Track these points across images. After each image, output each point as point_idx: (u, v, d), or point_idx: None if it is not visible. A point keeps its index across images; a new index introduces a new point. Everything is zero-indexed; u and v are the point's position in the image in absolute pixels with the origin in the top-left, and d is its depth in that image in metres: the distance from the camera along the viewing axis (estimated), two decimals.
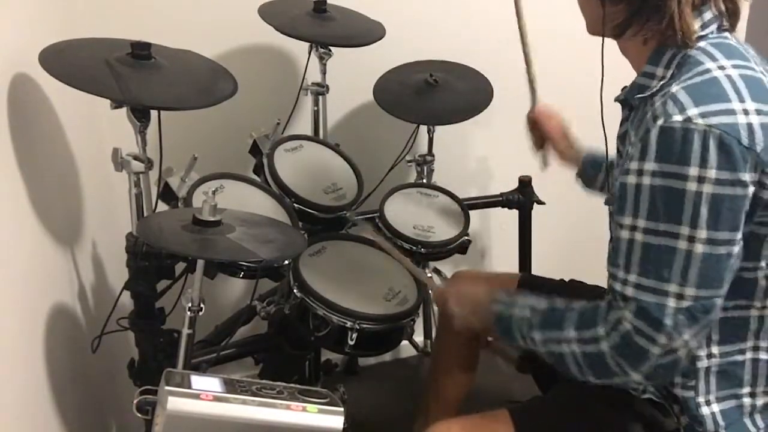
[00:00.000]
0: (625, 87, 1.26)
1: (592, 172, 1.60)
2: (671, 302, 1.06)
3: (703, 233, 1.03)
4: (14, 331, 1.20)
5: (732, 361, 1.17)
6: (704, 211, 1.02)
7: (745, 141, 1.02)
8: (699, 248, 1.04)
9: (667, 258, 1.05)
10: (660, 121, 1.04)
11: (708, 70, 1.07)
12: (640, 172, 1.06)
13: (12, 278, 1.19)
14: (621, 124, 1.27)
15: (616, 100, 1.25)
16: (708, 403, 1.18)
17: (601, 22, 1.16)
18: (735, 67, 1.08)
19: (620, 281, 1.10)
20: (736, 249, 1.06)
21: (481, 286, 1.39)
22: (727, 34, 1.14)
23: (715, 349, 1.17)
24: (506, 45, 2.18)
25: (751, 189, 1.04)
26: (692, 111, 1.02)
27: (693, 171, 1.01)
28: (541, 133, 1.71)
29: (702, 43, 1.11)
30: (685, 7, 1.08)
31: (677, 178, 1.02)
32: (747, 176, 1.02)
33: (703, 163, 1.01)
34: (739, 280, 1.11)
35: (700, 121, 1.01)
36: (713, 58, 1.09)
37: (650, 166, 1.04)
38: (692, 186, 1.02)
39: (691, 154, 1.01)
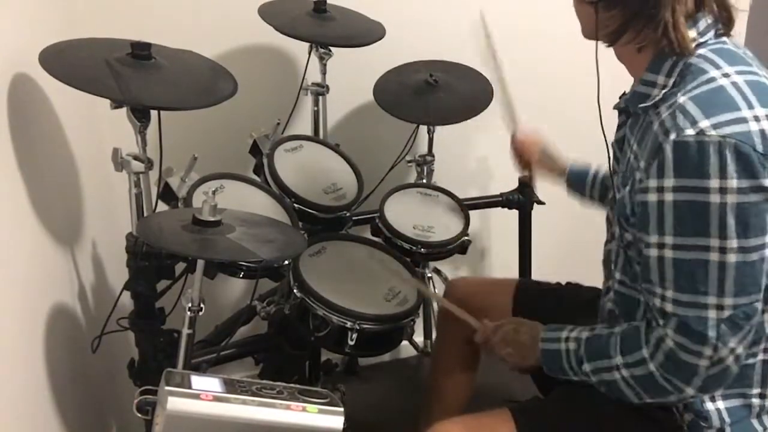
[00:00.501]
0: (623, 94, 1.26)
1: (578, 185, 1.65)
2: (712, 314, 1.06)
3: (734, 243, 1.03)
4: (14, 331, 1.20)
5: (744, 363, 1.16)
6: (731, 221, 1.02)
7: (759, 148, 1.02)
8: (732, 258, 1.04)
9: (701, 271, 1.05)
10: (673, 136, 1.03)
11: (713, 79, 1.07)
12: (660, 189, 1.05)
13: (12, 278, 1.19)
14: (618, 129, 1.27)
15: (616, 108, 1.25)
16: (713, 399, 1.18)
17: (594, 28, 1.16)
18: (739, 73, 1.08)
19: (659, 297, 1.10)
20: (767, 252, 1.06)
21: (522, 325, 1.37)
22: (725, 39, 1.14)
23: None
24: (506, 45, 2.19)
25: None
26: (704, 123, 1.02)
27: (714, 183, 1.01)
28: (526, 157, 1.80)
29: (702, 50, 1.11)
30: (680, 16, 1.08)
31: (699, 192, 1.02)
32: (767, 182, 1.02)
33: (723, 174, 1.01)
34: None
35: (713, 132, 1.01)
36: (716, 66, 1.09)
37: (669, 182, 1.04)
38: (715, 198, 1.02)
39: (710, 166, 1.01)
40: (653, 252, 1.09)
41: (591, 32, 1.19)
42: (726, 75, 1.07)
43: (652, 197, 1.07)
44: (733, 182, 1.01)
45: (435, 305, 2.16)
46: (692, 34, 1.11)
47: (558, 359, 1.25)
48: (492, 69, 1.79)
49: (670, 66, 1.12)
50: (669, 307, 1.09)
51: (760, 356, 1.18)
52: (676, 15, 1.08)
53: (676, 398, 1.14)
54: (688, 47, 1.09)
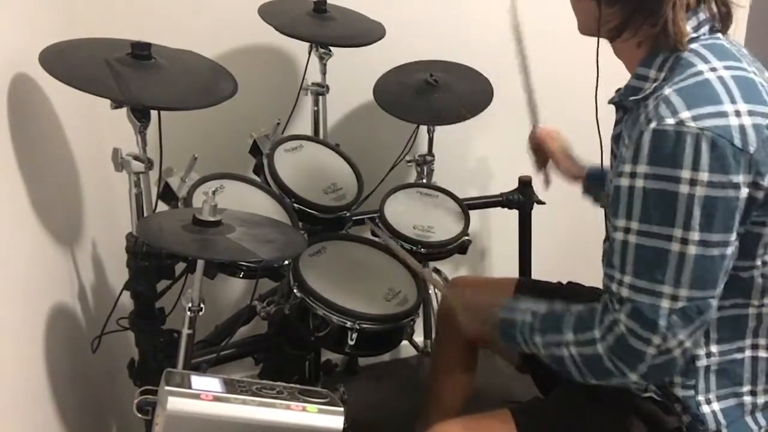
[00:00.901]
0: (619, 89, 1.26)
1: (596, 186, 1.62)
2: (665, 303, 1.06)
3: (696, 235, 1.03)
4: (14, 331, 1.20)
5: (731, 359, 1.18)
6: (697, 213, 1.03)
7: (737, 143, 1.02)
8: (692, 250, 1.04)
9: (661, 260, 1.06)
10: (653, 124, 1.04)
11: (700, 72, 1.08)
12: (633, 175, 1.06)
13: (12, 278, 1.19)
14: (615, 126, 1.28)
15: (610, 102, 1.26)
16: (708, 401, 1.19)
17: (594, 24, 1.17)
18: (727, 68, 1.08)
19: (616, 282, 1.11)
20: (730, 250, 1.06)
21: (484, 294, 1.40)
22: (719, 35, 1.14)
23: (714, 348, 1.17)
24: (506, 45, 2.18)
25: (745, 190, 1.04)
26: (684, 114, 1.03)
27: (685, 174, 1.02)
28: (544, 154, 1.75)
29: (694, 45, 1.11)
30: (679, 11, 1.09)
31: (670, 181, 1.03)
32: (740, 178, 1.03)
33: (695, 165, 1.01)
34: (736, 278, 1.12)
35: (692, 124, 1.02)
36: (705, 60, 1.09)
37: (642, 168, 1.05)
38: (684, 189, 1.02)
39: (684, 157, 1.02)
40: (619, 236, 1.10)
41: (590, 29, 1.19)
42: (713, 69, 1.08)
43: (624, 182, 1.07)
44: (705, 175, 1.01)
45: (435, 305, 2.16)
46: (690, 26, 1.11)
47: (512, 328, 1.26)
48: (519, 61, 1.76)
49: (662, 60, 1.12)
50: (624, 292, 1.09)
51: (748, 352, 1.18)
52: (676, 10, 1.09)
53: (619, 381, 1.14)
54: (683, 42, 1.10)
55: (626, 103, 1.18)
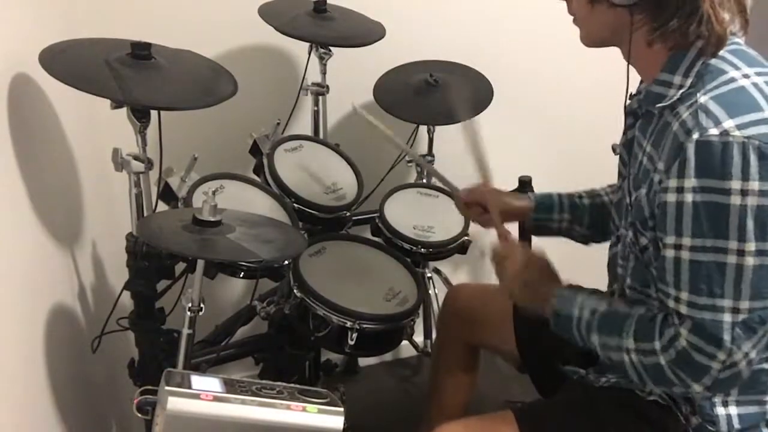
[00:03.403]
0: (632, 95, 1.25)
1: (546, 211, 1.54)
2: (727, 317, 1.05)
3: (752, 246, 1.02)
4: (14, 331, 1.20)
5: (759, 368, 1.15)
6: (750, 223, 1.01)
7: None
8: (750, 261, 1.03)
9: (718, 274, 1.04)
10: (695, 135, 1.02)
11: (733, 79, 1.06)
12: (680, 190, 1.04)
13: (12, 278, 1.19)
14: (625, 132, 1.26)
15: (628, 109, 1.24)
16: (725, 404, 1.17)
17: (609, 33, 1.15)
18: (758, 74, 1.07)
19: (672, 299, 1.09)
20: None
21: (538, 264, 1.32)
22: (738, 40, 1.13)
23: None
24: (506, 45, 2.19)
25: None
26: (728, 123, 1.01)
27: (735, 185, 1.00)
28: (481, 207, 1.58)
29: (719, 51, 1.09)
30: (717, 7, 1.06)
31: (720, 193, 1.01)
32: None
33: (745, 175, 1.00)
34: None
35: (737, 133, 1.01)
36: (735, 66, 1.08)
37: (690, 183, 1.03)
38: (736, 200, 1.01)
39: (732, 167, 1.00)
40: (670, 253, 1.08)
41: (605, 39, 1.17)
42: (746, 76, 1.07)
43: (671, 197, 1.05)
44: (755, 184, 1.00)
45: (435, 305, 2.16)
46: (699, 44, 1.09)
47: (568, 321, 1.22)
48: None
49: (687, 65, 1.10)
50: (683, 309, 1.08)
51: None
52: (714, 6, 1.06)
53: (681, 391, 1.13)
54: (726, 39, 1.07)
55: (651, 110, 1.15)
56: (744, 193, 1.00)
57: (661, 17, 1.09)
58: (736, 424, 1.17)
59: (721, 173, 1.01)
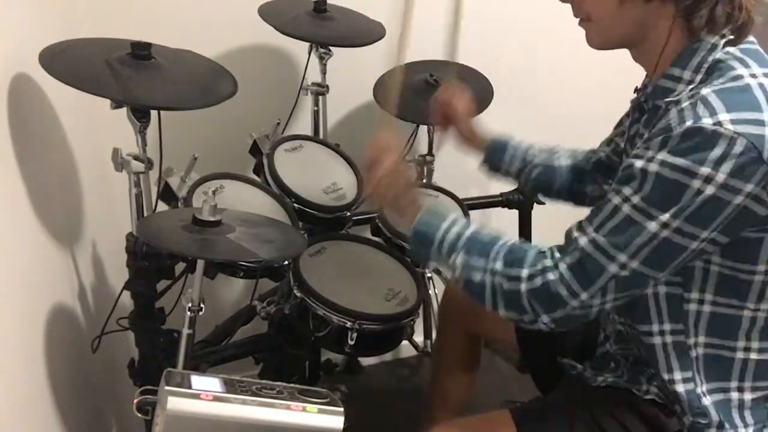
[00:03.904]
0: (638, 88, 1.25)
1: (500, 158, 1.60)
2: (613, 268, 1.08)
3: (677, 222, 1.04)
4: (14, 331, 1.20)
5: (719, 354, 1.17)
6: (693, 206, 1.03)
7: (766, 154, 1.01)
8: (665, 233, 1.05)
9: (635, 233, 1.06)
10: (689, 122, 1.03)
11: (740, 77, 1.06)
12: (651, 159, 1.05)
13: (12, 278, 1.19)
14: (631, 126, 1.26)
15: (634, 102, 1.24)
16: (704, 394, 1.18)
17: (637, 26, 1.13)
18: (767, 75, 1.08)
19: (582, 231, 1.12)
20: (694, 245, 1.06)
21: (406, 178, 1.33)
22: (753, 39, 1.13)
23: (701, 339, 1.17)
24: (506, 45, 2.19)
25: (745, 201, 1.03)
26: (723, 116, 1.02)
27: (704, 170, 1.01)
28: (448, 112, 1.62)
29: (730, 48, 1.09)
30: None
31: (686, 174, 1.02)
32: (749, 187, 1.02)
33: (717, 166, 1.01)
34: (734, 280, 1.12)
35: (730, 126, 1.01)
36: (746, 65, 1.08)
37: (663, 156, 1.04)
38: (697, 183, 1.02)
39: (711, 155, 1.01)
40: (615, 199, 1.09)
41: (627, 36, 1.16)
42: (754, 75, 1.07)
43: (639, 163, 1.06)
44: (722, 176, 1.01)
45: (435, 305, 2.16)
46: (725, 31, 1.10)
47: (429, 241, 1.23)
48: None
49: (698, 61, 1.10)
50: (582, 241, 1.10)
51: (740, 354, 1.17)
52: None
53: (528, 319, 1.15)
54: (750, 26, 1.08)
55: (658, 104, 1.15)
56: (707, 180, 1.01)
57: (692, 3, 1.08)
58: (718, 414, 1.18)
59: (699, 158, 1.01)
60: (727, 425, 1.18)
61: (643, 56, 1.18)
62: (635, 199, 1.07)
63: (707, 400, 1.18)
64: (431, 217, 1.25)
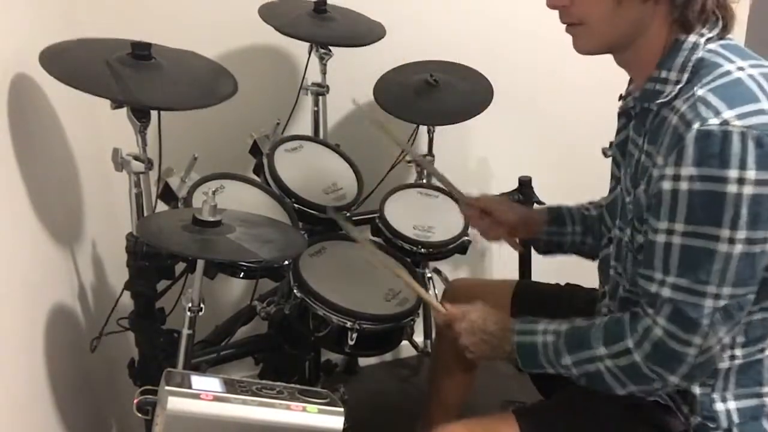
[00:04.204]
0: (623, 96, 1.25)
1: (560, 221, 1.50)
2: (709, 303, 1.06)
3: (742, 234, 1.03)
4: (14, 331, 1.20)
5: (754, 360, 1.17)
6: (744, 212, 1.02)
7: None
8: (738, 249, 1.04)
9: (707, 260, 1.05)
10: (696, 125, 1.03)
11: (728, 72, 1.07)
12: (677, 177, 1.05)
13: (12, 278, 1.19)
14: (618, 133, 1.27)
15: (622, 110, 1.24)
16: (724, 399, 1.18)
17: (633, 27, 1.13)
18: (753, 66, 1.08)
19: (657, 282, 1.10)
20: None
21: (490, 315, 1.32)
22: (731, 36, 1.14)
23: (738, 351, 1.16)
24: (506, 45, 2.19)
25: None
26: (728, 113, 1.02)
27: (733, 173, 1.01)
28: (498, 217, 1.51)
29: (711, 46, 1.11)
30: None
31: (717, 182, 1.02)
32: None
33: (743, 164, 1.01)
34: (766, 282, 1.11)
35: (737, 122, 1.01)
36: (729, 60, 1.09)
37: (688, 171, 1.04)
38: (733, 188, 1.02)
39: (731, 156, 1.01)
40: (661, 238, 1.08)
41: (621, 38, 1.15)
42: (741, 68, 1.08)
43: (667, 185, 1.06)
44: (752, 173, 1.01)
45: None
46: (702, 30, 1.11)
47: (534, 353, 1.24)
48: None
49: (682, 61, 1.11)
50: (666, 292, 1.09)
51: None
52: None
53: (660, 386, 1.14)
54: (734, 19, 1.09)
55: (649, 107, 1.15)
56: (741, 181, 1.01)
57: (686, 2, 1.09)
58: (736, 419, 1.18)
59: (720, 162, 1.02)
60: (734, 430, 1.18)
61: (629, 60, 1.18)
62: (679, 227, 1.06)
63: (720, 406, 1.18)
64: (525, 336, 1.25)
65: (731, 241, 1.03)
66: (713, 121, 1.02)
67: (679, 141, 1.04)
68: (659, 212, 1.08)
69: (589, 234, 1.50)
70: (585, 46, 1.18)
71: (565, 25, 1.19)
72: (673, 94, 1.11)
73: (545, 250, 1.55)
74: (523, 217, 1.52)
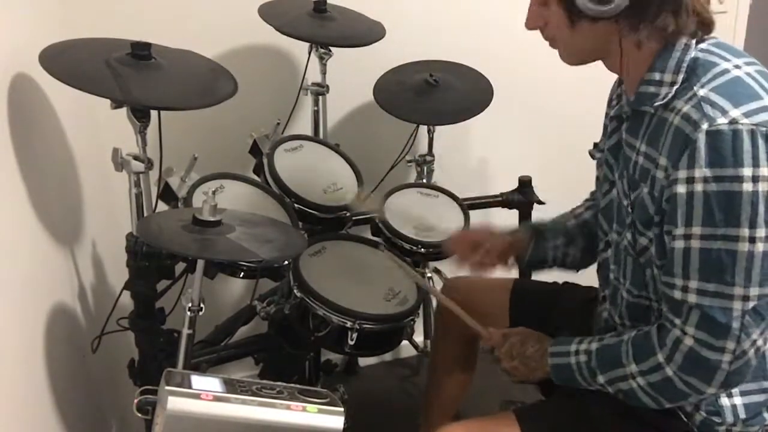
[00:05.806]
0: (613, 100, 1.25)
1: (558, 230, 1.51)
2: (737, 305, 1.05)
3: (763, 231, 1.03)
4: (14, 331, 1.20)
5: (761, 354, 1.15)
6: (762, 209, 1.02)
7: None
8: (760, 247, 1.03)
9: (729, 261, 1.04)
10: (705, 126, 1.03)
11: (726, 71, 1.08)
12: (690, 180, 1.04)
13: (12, 278, 1.19)
14: (610, 136, 1.27)
15: (616, 114, 1.24)
16: (730, 395, 1.17)
17: (598, 43, 1.14)
18: (747, 64, 1.09)
19: (680, 289, 1.09)
20: None
21: (529, 338, 1.33)
22: (715, 35, 1.14)
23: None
24: (506, 45, 2.19)
25: None
26: (735, 112, 1.03)
27: (747, 171, 1.01)
28: (471, 238, 1.56)
29: (703, 45, 1.11)
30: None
31: (732, 181, 1.02)
32: None
33: (755, 162, 1.01)
34: None
35: (746, 120, 1.02)
36: (724, 58, 1.09)
37: (702, 173, 1.03)
38: (748, 186, 1.01)
39: (743, 154, 1.01)
40: (680, 244, 1.07)
41: (591, 53, 1.17)
42: (737, 66, 1.08)
43: (681, 189, 1.05)
44: (765, 170, 1.01)
45: (435, 305, 2.16)
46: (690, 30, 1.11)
47: (569, 373, 1.24)
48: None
49: (676, 62, 1.11)
50: (692, 298, 1.07)
51: None
52: None
53: (696, 399, 1.13)
54: (713, 22, 1.09)
55: (645, 110, 1.15)
56: (755, 179, 1.01)
57: (646, 17, 1.09)
58: (742, 414, 1.18)
59: (733, 161, 1.02)
60: (739, 425, 1.17)
61: (616, 65, 1.19)
62: (696, 231, 1.05)
63: (726, 401, 1.17)
64: (560, 358, 1.25)
65: (752, 240, 1.03)
66: (722, 120, 1.02)
67: (688, 142, 1.04)
68: (675, 217, 1.07)
69: (571, 244, 1.49)
70: (566, 60, 1.22)
71: None
72: (670, 95, 1.11)
73: (534, 267, 1.57)
74: (510, 240, 1.52)
